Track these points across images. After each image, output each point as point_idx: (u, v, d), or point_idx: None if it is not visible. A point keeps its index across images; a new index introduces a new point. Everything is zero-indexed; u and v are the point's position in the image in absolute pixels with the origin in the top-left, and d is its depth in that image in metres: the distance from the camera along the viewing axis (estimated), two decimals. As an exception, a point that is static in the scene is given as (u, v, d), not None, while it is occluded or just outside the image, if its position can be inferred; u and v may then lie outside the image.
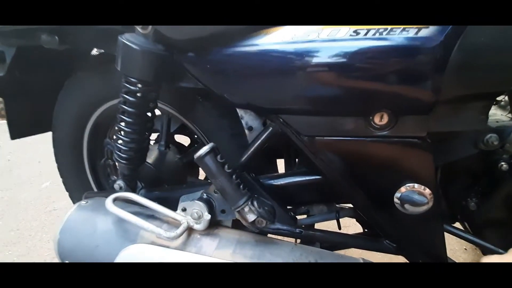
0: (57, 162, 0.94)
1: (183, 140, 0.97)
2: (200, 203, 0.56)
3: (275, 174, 0.66)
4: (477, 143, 0.55)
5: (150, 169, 0.84)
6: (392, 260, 1.00)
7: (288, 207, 0.70)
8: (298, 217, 0.69)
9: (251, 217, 0.54)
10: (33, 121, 0.91)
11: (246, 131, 0.60)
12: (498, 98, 0.65)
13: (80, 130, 0.87)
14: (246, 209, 0.54)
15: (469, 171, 0.60)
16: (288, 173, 0.66)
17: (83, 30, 0.65)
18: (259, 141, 0.58)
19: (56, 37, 0.66)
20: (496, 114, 0.67)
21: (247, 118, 0.59)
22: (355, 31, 0.43)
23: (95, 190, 0.95)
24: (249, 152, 0.58)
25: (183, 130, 0.93)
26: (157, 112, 0.81)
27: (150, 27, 0.53)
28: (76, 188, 0.96)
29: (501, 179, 0.55)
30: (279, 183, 0.64)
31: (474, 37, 0.42)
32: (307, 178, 0.62)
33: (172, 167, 0.88)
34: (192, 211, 0.56)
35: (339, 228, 0.69)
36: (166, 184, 0.84)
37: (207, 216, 0.56)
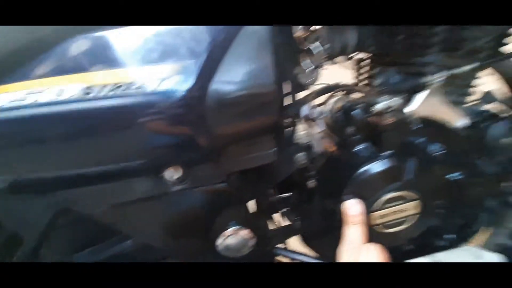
0: None
1: None
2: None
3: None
4: (293, 162, 0.55)
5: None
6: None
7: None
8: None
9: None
10: None
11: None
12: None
13: None
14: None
15: (294, 189, 0.62)
16: (109, 242, 0.56)
17: None
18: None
19: None
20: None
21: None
22: (87, 88, 0.36)
23: None
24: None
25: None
26: None
27: None
28: None
29: (311, 197, 0.57)
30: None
31: (228, 69, 0.37)
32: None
33: None
34: None
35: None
36: None
37: None
